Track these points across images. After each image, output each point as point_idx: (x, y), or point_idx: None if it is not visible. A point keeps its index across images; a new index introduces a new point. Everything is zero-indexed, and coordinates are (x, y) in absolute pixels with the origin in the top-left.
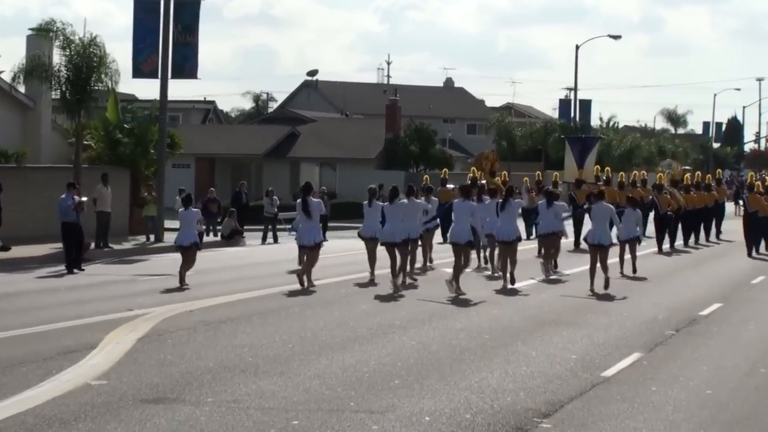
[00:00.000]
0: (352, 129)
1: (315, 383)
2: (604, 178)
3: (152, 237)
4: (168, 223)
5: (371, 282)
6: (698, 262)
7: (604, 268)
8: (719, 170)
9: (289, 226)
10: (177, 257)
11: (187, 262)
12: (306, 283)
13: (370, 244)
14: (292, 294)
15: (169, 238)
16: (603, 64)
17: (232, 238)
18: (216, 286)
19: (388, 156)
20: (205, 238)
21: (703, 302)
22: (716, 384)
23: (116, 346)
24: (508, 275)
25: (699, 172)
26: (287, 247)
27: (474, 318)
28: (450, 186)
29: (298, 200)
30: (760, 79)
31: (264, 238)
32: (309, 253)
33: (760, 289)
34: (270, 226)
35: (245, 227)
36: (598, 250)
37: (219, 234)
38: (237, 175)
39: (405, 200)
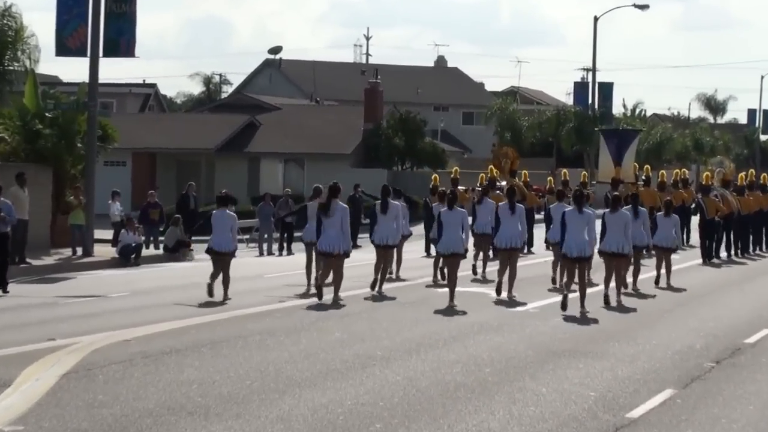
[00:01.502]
0: (324, 118)
1: (278, 428)
2: (644, 177)
3: (79, 250)
4: (99, 233)
5: (306, 294)
6: (745, 278)
7: (618, 281)
8: None
9: (247, 237)
10: (108, 274)
11: (219, 272)
12: (321, 294)
13: (311, 249)
14: (250, 319)
15: (101, 251)
16: (627, 39)
17: (178, 251)
18: (158, 310)
19: (367, 151)
20: (146, 251)
21: (750, 327)
22: (765, 426)
23: (35, 384)
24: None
25: (753, 170)
26: (245, 262)
27: (471, 347)
28: (461, 187)
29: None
30: None
31: None
32: (334, 262)
33: None
34: None
35: (193, 238)
36: (613, 260)
37: (161, 246)
38: (184, 175)
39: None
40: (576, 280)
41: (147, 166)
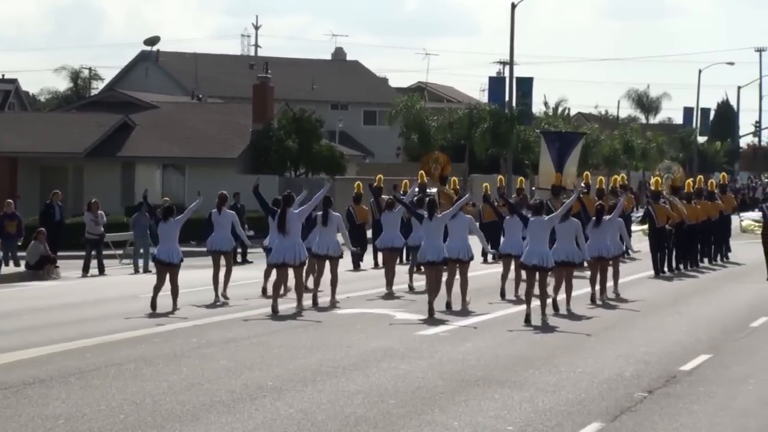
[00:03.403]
0: (207, 118)
1: None
2: (583, 183)
3: None
4: None
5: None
6: (680, 297)
7: (555, 289)
8: (724, 174)
9: (120, 252)
10: None
11: (163, 283)
12: (278, 307)
13: (218, 258)
14: (125, 345)
15: None
16: (549, 29)
17: (41, 269)
18: (19, 335)
19: (256, 154)
20: (4, 269)
21: (686, 353)
22: None
23: None
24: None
25: (701, 176)
26: (117, 281)
27: (374, 376)
28: (385, 197)
29: (277, 213)
30: (760, 50)
31: (86, 268)
32: (286, 271)
33: (763, 335)
34: (94, 252)
35: (59, 253)
36: (565, 270)
37: (22, 263)
38: (48, 182)
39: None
40: (536, 291)
41: (6, 172)
